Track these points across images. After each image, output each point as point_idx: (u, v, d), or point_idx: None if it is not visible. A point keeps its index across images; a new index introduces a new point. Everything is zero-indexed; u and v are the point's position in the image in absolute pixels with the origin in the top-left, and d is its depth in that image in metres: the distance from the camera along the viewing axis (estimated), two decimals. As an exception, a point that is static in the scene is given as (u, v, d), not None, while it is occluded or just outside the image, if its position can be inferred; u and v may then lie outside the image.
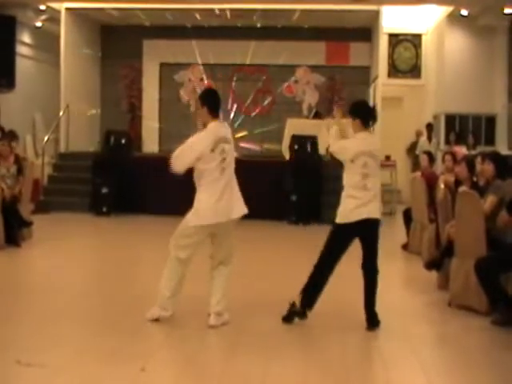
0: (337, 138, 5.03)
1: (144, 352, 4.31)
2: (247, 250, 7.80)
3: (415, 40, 14.00)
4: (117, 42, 13.90)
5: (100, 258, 8.00)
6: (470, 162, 6.31)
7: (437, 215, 6.77)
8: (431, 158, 8.55)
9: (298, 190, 10.78)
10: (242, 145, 12.86)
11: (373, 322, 4.81)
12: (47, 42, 13.63)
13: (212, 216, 4.70)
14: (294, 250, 8.40)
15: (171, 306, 4.82)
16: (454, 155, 7.84)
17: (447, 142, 12.59)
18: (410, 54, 14.05)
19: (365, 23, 13.05)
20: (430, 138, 12.85)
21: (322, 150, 11.85)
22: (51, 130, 12.42)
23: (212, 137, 4.76)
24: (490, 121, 12.84)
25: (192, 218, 4.77)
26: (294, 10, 12.17)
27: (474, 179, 6.19)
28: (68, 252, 8.05)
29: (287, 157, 11.47)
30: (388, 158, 13.07)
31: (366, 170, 4.84)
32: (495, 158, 5.83)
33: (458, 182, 6.46)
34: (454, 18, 12.56)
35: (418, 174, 8.53)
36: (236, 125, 13.69)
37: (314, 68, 13.86)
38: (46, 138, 12.21)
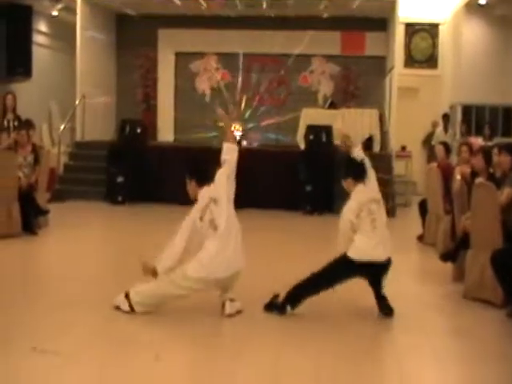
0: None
1: (158, 339, 4.34)
2: (262, 238, 7.82)
3: (432, 30, 13.87)
4: (132, 31, 13.91)
5: (115, 246, 8.05)
6: (486, 154, 6.26)
7: (452, 207, 6.73)
8: (447, 148, 8.49)
9: (312, 180, 10.76)
10: (254, 136, 12.89)
11: (384, 308, 4.81)
12: (63, 31, 13.68)
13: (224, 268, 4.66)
14: (309, 239, 8.40)
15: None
16: (470, 146, 7.79)
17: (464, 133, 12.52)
18: (426, 43, 13.92)
19: (381, 13, 12.93)
20: (446, 129, 12.77)
21: (336, 140, 11.83)
22: (67, 119, 12.49)
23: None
24: (507, 112, 12.71)
25: (198, 269, 4.66)
26: (317, 0, 12.09)
27: (491, 171, 6.15)
28: (83, 240, 8.11)
29: (302, 147, 11.46)
30: (403, 148, 13.01)
31: (373, 216, 4.94)
32: (512, 149, 5.78)
33: (474, 174, 6.42)
34: (471, 8, 12.42)
35: (434, 165, 8.47)
36: (248, 115, 13.70)
37: (330, 58, 13.79)
38: (61, 127, 12.27)
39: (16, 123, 9.36)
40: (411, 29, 13.85)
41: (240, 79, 13.98)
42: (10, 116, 9.49)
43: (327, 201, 10.77)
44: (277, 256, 7.15)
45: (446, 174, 7.77)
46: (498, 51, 12.63)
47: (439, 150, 8.46)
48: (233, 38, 13.49)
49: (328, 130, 11.42)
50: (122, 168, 10.96)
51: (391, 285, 6.36)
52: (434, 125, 13.54)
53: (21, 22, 12.43)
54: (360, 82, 13.31)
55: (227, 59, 13.99)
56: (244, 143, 12.34)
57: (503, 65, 12.57)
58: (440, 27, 13.81)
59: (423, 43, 13.93)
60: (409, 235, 8.65)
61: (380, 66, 13.43)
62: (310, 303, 4.84)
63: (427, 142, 13.53)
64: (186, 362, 3.98)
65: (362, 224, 4.90)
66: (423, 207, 8.42)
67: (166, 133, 14.05)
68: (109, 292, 5.12)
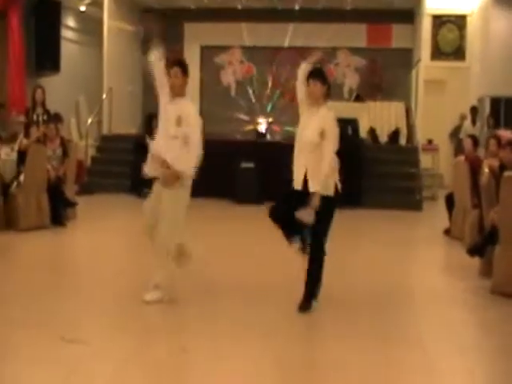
0: None
1: (185, 330, 4.39)
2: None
3: (459, 21, 13.70)
4: (158, 24, 13.98)
5: (141, 237, 8.13)
6: (515, 147, 6.18)
7: (480, 200, 6.66)
8: (475, 141, 8.39)
9: (338, 174, 10.71)
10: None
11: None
12: (90, 25, 13.80)
13: None
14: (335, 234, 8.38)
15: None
16: (498, 139, 7.69)
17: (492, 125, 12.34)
18: (453, 35, 13.76)
19: (408, 4, 12.81)
20: (474, 122, 12.61)
21: (363, 133, 11.77)
22: (94, 113, 12.62)
23: None
24: (537, 104, 12.52)
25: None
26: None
27: (520, 164, 6.07)
28: (110, 232, 8.21)
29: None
30: (430, 141, 12.89)
31: None
32: (542, 142, 5.70)
33: (502, 167, 6.34)
34: (500, -2, 12.24)
35: (462, 158, 8.39)
36: (271, 108, 13.69)
37: (355, 50, 13.71)
38: (89, 121, 12.41)
39: (45, 117, 9.49)
40: (438, 20, 13.68)
41: (265, 72, 13.98)
42: (39, 110, 9.61)
43: (353, 195, 10.73)
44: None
45: (474, 167, 7.69)
46: (527, 42, 12.43)
47: (467, 143, 8.37)
48: (258, 31, 13.49)
49: (354, 123, 11.38)
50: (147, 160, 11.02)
51: (418, 278, 6.36)
52: (462, 118, 13.38)
53: (50, 18, 12.57)
54: (386, 75, 13.23)
55: (252, 52, 14.00)
56: (268, 137, 12.35)
57: (532, 56, 12.37)
58: (468, 18, 13.62)
59: (450, 35, 13.77)
60: (436, 229, 8.60)
61: (406, 58, 13.32)
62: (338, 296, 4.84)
63: (455, 135, 13.38)
64: (211, 353, 4.01)
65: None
66: (450, 201, 8.35)
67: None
68: (135, 283, 5.19)
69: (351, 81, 13.77)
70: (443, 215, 8.64)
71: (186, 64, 5.13)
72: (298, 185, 4.74)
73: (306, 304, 4.71)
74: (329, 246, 4.81)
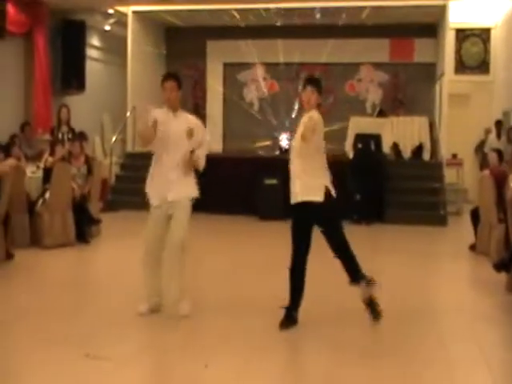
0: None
1: (207, 346, 4.38)
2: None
3: (483, 34, 13.60)
4: (181, 43, 14.14)
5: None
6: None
7: (506, 215, 6.57)
8: (500, 155, 8.30)
9: (361, 189, 10.69)
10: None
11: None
12: (115, 44, 14.01)
13: None
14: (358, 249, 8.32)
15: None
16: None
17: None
18: (477, 49, 13.66)
19: (430, 19, 12.77)
20: (499, 136, 12.47)
21: (386, 149, 11.72)
22: (118, 131, 12.77)
23: None
24: None
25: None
26: (363, 8, 12.03)
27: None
28: (134, 249, 8.17)
29: (350, 155, 11.39)
30: (454, 156, 12.77)
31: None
32: None
33: (528, 181, 6.25)
34: (524, 11, 12.13)
35: (487, 172, 8.29)
36: (294, 124, 13.72)
37: (378, 65, 13.69)
38: (113, 139, 12.56)
39: (70, 135, 9.63)
40: (462, 34, 13.61)
41: (288, 89, 14.02)
42: (64, 128, 9.76)
43: (376, 210, 10.67)
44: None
45: (499, 181, 7.59)
46: (552, 55, 12.28)
47: (492, 157, 8.28)
48: (280, 47, 13.55)
49: (377, 138, 11.34)
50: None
51: (444, 294, 6.28)
52: (487, 131, 13.25)
53: (75, 37, 12.80)
54: (409, 90, 13.17)
55: (275, 69, 14.05)
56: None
57: (558, 69, 12.21)
58: (491, 31, 13.53)
59: (474, 48, 13.68)
60: (461, 244, 8.49)
61: (430, 72, 13.25)
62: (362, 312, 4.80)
63: (480, 149, 13.25)
64: (234, 370, 3.99)
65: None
66: (475, 215, 8.25)
67: (214, 143, 14.18)
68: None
69: (374, 96, 13.74)
70: (468, 230, 8.53)
71: (179, 77, 5.30)
72: (294, 198, 4.75)
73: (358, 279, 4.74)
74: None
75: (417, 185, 11.16)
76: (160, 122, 5.00)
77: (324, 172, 4.82)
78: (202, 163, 5.09)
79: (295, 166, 4.79)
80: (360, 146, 11.21)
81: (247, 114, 14.12)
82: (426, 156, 11.99)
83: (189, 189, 5.07)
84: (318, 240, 4.80)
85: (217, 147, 14.10)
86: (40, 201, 8.04)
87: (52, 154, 8.58)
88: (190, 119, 5.14)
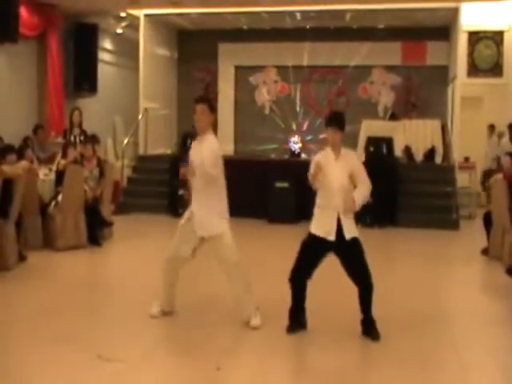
0: None
1: (219, 349, 4.38)
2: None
3: (496, 37, 13.52)
4: (193, 45, 14.18)
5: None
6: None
7: (519, 219, 6.53)
8: (514, 159, 8.24)
9: (373, 193, 10.61)
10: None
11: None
12: (127, 47, 14.07)
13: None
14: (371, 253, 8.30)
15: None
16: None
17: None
18: (490, 51, 13.58)
19: (443, 21, 12.72)
20: (512, 139, 12.40)
21: (398, 152, 11.68)
22: (130, 133, 12.81)
23: None
24: None
25: None
26: (377, 11, 12.00)
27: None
28: (146, 251, 8.28)
29: (362, 158, 11.35)
30: (467, 159, 12.71)
31: None
32: None
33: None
34: (537, 13, 12.05)
35: (500, 176, 8.24)
36: (307, 127, 13.71)
37: (390, 68, 13.65)
38: (125, 141, 12.60)
39: (82, 138, 9.67)
40: (474, 37, 13.54)
41: (299, 91, 14.01)
42: (76, 131, 9.81)
43: (389, 214, 10.63)
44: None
45: (513, 185, 7.55)
46: None
47: (506, 161, 8.23)
48: (292, 50, 13.55)
49: (389, 141, 11.30)
50: (183, 181, 11.11)
51: (456, 299, 6.24)
52: (500, 135, 13.17)
53: (87, 40, 12.87)
54: (421, 93, 13.12)
55: (286, 72, 14.05)
56: (303, 155, 12.34)
57: None
58: (505, 34, 13.44)
59: (487, 51, 13.60)
60: (473, 248, 8.44)
61: (442, 75, 13.20)
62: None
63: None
64: (247, 374, 3.99)
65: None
66: (488, 220, 8.20)
67: (226, 145, 14.21)
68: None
69: (386, 99, 13.70)
70: (481, 234, 8.48)
71: (211, 101, 5.21)
72: (329, 234, 4.63)
73: (377, 332, 4.65)
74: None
75: (429, 188, 11.11)
76: (192, 150, 5.00)
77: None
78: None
79: (337, 206, 4.66)
80: (372, 149, 11.18)
81: (258, 117, 14.13)
82: (438, 159, 11.94)
83: (217, 223, 4.88)
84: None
85: (228, 149, 14.12)
86: (52, 203, 8.09)
87: (64, 156, 8.62)
88: (205, 146, 4.96)
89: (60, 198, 8.01)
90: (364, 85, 13.79)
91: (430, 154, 12.00)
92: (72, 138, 9.73)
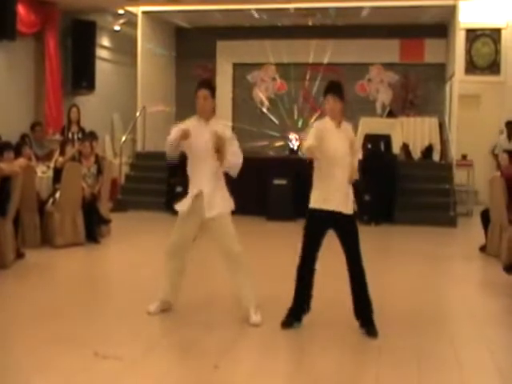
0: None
1: (217, 347, 4.39)
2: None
3: (494, 35, 13.53)
4: (191, 43, 14.16)
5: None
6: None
7: (517, 217, 6.55)
8: None
9: (370, 190, 10.67)
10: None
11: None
12: (125, 44, 14.05)
13: None
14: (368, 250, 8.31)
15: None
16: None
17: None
18: (488, 49, 13.60)
19: (440, 19, 12.72)
20: (509, 137, 12.40)
21: (395, 149, 11.69)
22: (128, 131, 12.80)
23: None
24: None
25: None
26: (375, 9, 12.00)
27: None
28: (144, 249, 8.28)
29: (360, 156, 11.35)
30: (464, 157, 12.72)
31: None
32: None
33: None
34: (535, 11, 12.06)
35: (498, 174, 8.26)
36: (302, 124, 13.71)
37: (388, 66, 13.65)
38: (123, 139, 12.59)
39: (80, 135, 9.68)
40: (472, 34, 13.54)
41: (297, 89, 14.01)
42: (74, 128, 9.81)
43: (386, 211, 10.64)
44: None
45: (511, 183, 7.56)
46: None
47: (503, 159, 8.25)
48: (289, 48, 13.54)
49: (386, 139, 11.31)
50: (181, 178, 11.12)
51: (453, 296, 6.25)
52: (502, 132, 13.16)
53: (85, 38, 12.85)
54: (419, 90, 13.12)
55: (284, 69, 14.04)
56: (300, 153, 12.34)
57: None
58: (503, 32, 13.46)
59: (485, 49, 13.61)
60: (471, 246, 8.46)
61: (440, 73, 13.21)
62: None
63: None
64: (244, 372, 3.99)
65: None
66: (485, 217, 8.22)
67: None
68: (169, 300, 5.19)
69: (384, 96, 13.70)
70: (478, 232, 8.50)
71: (214, 86, 5.17)
72: (336, 205, 4.61)
73: (375, 328, 4.64)
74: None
75: (426, 186, 11.13)
76: (192, 131, 4.90)
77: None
78: (228, 164, 4.86)
79: (345, 175, 4.65)
80: (370, 146, 11.19)
81: (256, 114, 14.12)
82: (436, 157, 11.95)
83: (226, 203, 4.92)
84: (328, 241, 4.79)
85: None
86: (50, 200, 8.08)
87: (62, 153, 8.61)
88: (218, 127, 4.94)
89: (58, 195, 8.01)
90: (362, 82, 13.79)
91: (428, 151, 12.01)
92: (70, 136, 9.72)
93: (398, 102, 13.35)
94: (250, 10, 12.52)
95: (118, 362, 4.02)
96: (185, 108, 14.13)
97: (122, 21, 13.85)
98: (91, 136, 9.51)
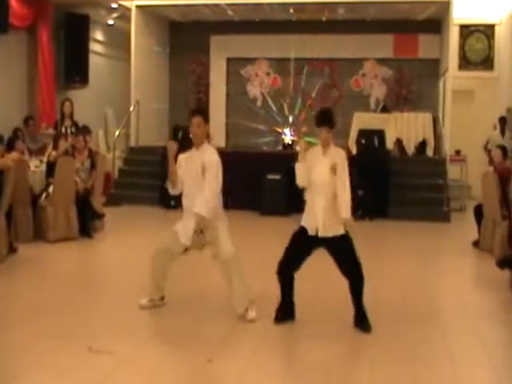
0: None
1: (210, 341, 4.39)
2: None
3: (488, 30, 13.56)
4: (185, 37, 14.11)
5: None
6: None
7: (510, 212, 6.57)
8: (505, 152, 8.29)
9: (364, 185, 10.67)
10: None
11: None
12: (118, 39, 14.00)
13: None
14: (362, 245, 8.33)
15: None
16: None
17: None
18: (482, 45, 13.62)
19: (434, 14, 12.72)
20: (503, 132, 12.44)
21: (389, 145, 11.70)
22: (122, 125, 12.76)
23: None
24: None
25: None
26: (368, 3, 11.99)
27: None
28: (137, 243, 8.26)
29: (354, 151, 11.37)
30: (458, 152, 12.75)
31: None
32: None
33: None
34: (529, 7, 12.09)
35: (491, 169, 8.28)
36: (295, 119, 13.71)
37: (382, 61, 13.66)
38: (116, 133, 12.55)
39: (73, 129, 9.63)
40: (466, 30, 13.57)
41: (291, 84, 13.99)
42: (67, 122, 9.76)
43: (380, 206, 10.66)
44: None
45: (503, 178, 7.59)
46: (557, 51, 12.24)
47: (496, 154, 8.27)
48: (284, 42, 13.51)
49: (380, 134, 11.32)
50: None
51: (446, 292, 6.27)
52: (495, 128, 13.20)
53: (78, 32, 12.79)
54: (413, 86, 13.13)
55: (278, 64, 14.03)
56: (296, 148, 12.34)
57: None
58: (496, 27, 13.48)
59: (478, 44, 13.64)
60: (464, 241, 8.48)
61: (434, 68, 13.22)
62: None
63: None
64: (237, 367, 4.00)
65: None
66: (479, 212, 8.24)
67: (217, 138, 14.16)
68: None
69: (378, 91, 13.71)
70: (472, 227, 8.53)
71: (206, 113, 5.25)
72: (314, 230, 4.65)
73: (368, 323, 4.67)
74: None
75: (420, 181, 11.15)
76: (184, 162, 4.99)
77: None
78: (203, 213, 4.78)
79: (322, 203, 4.65)
80: (363, 141, 11.20)
81: (250, 109, 14.10)
82: (430, 152, 11.98)
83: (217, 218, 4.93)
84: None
85: (220, 142, 14.10)
86: (43, 195, 8.05)
87: (55, 147, 8.59)
88: (207, 155, 4.94)
89: (51, 189, 7.98)
90: (356, 78, 13.79)
91: (422, 146, 12.04)
92: (63, 130, 9.68)
93: (391, 97, 13.36)
94: (244, 4, 12.49)
95: (112, 357, 4.01)
96: (178, 102, 14.13)
97: (115, 15, 13.78)
98: (84, 130, 9.47)
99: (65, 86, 12.68)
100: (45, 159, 8.65)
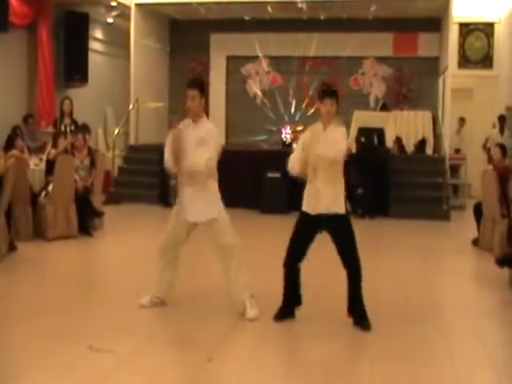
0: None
1: (210, 340, 4.39)
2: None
3: (487, 29, 13.56)
4: (185, 35, 14.10)
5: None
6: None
7: (509, 210, 6.57)
8: (504, 150, 8.29)
9: (364, 183, 10.68)
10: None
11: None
12: (118, 37, 13.98)
13: None
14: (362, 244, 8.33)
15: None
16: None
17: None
18: (481, 43, 13.62)
19: (434, 13, 12.72)
20: (502, 131, 12.44)
21: (389, 143, 11.70)
22: (121, 124, 12.75)
23: None
24: None
25: None
26: (368, 2, 11.99)
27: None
28: (137, 242, 8.26)
29: (353, 149, 11.37)
30: (458, 151, 12.76)
31: None
32: None
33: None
34: (529, 5, 12.08)
35: (490, 167, 8.29)
36: (297, 117, 13.70)
37: (382, 60, 13.65)
38: (116, 131, 12.54)
39: (73, 128, 9.63)
40: (465, 28, 13.57)
41: (291, 82, 13.99)
42: (67, 121, 9.76)
43: (380, 204, 10.66)
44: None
45: (503, 176, 7.59)
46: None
47: (495, 153, 8.27)
48: (283, 41, 13.51)
49: (380, 132, 11.32)
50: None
51: (446, 290, 6.28)
52: (494, 126, 13.21)
53: (78, 30, 12.78)
54: (413, 84, 13.14)
55: (278, 62, 14.02)
56: (294, 146, 12.34)
57: (562, 64, 12.17)
58: (496, 26, 13.48)
59: (478, 43, 13.64)
60: (464, 239, 8.49)
61: (433, 67, 13.22)
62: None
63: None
64: (237, 367, 4.00)
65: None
66: (478, 210, 8.24)
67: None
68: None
69: (377, 90, 13.71)
70: (471, 225, 8.54)
71: (203, 84, 5.05)
72: (322, 208, 4.60)
73: (368, 322, 4.65)
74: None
75: (420, 179, 11.16)
76: (182, 134, 4.84)
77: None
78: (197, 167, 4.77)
79: (324, 178, 4.59)
80: (363, 139, 11.20)
81: (250, 108, 14.09)
82: (429, 150, 11.98)
83: (210, 206, 4.85)
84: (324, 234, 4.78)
85: (220, 140, 14.07)
86: (43, 193, 8.05)
87: (55, 146, 8.58)
88: (205, 128, 4.87)
89: (50, 187, 7.97)
90: (356, 76, 13.79)
91: (421, 145, 12.04)
92: (62, 128, 9.67)
93: (391, 96, 13.36)
94: (245, 2, 12.47)
95: (112, 357, 4.01)
96: (178, 101, 14.10)
97: (115, 13, 13.76)
98: (84, 128, 9.47)
99: (64, 84, 12.67)
100: (44, 157, 8.64)
